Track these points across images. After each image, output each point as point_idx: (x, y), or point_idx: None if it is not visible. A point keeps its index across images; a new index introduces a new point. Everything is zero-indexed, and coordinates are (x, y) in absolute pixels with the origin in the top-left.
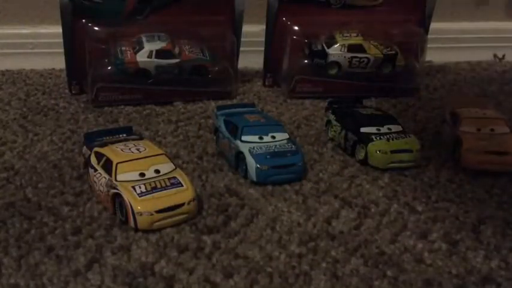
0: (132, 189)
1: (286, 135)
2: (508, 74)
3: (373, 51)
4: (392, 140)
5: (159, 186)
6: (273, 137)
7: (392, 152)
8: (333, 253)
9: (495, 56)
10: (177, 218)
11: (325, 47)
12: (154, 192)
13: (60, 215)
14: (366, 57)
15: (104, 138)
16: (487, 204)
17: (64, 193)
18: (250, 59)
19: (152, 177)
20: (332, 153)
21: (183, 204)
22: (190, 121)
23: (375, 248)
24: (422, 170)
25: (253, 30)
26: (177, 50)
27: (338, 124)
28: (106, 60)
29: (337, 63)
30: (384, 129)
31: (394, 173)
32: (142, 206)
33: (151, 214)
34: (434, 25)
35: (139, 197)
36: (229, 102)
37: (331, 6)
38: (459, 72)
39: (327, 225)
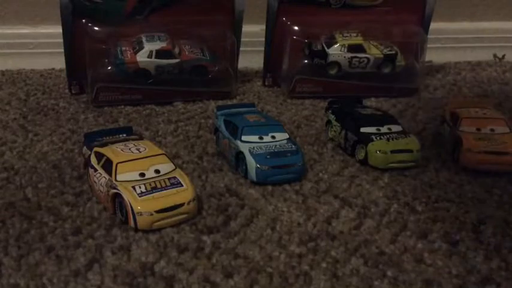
0: (132, 189)
1: (286, 135)
2: (508, 74)
3: (373, 51)
4: (392, 140)
5: (159, 186)
6: (273, 137)
7: (392, 152)
8: (333, 253)
9: (495, 56)
10: (177, 218)
11: (325, 47)
12: (154, 192)
13: (60, 215)
14: (366, 57)
15: (104, 138)
16: (487, 204)
17: (64, 193)
18: (250, 59)
19: (152, 177)
20: (332, 153)
21: (183, 204)
22: (190, 121)
23: (375, 248)
24: (422, 170)
25: (253, 30)
26: (177, 50)
27: (338, 124)
28: (106, 60)
29: (337, 63)
30: (384, 129)
31: (394, 173)
32: (142, 206)
33: (151, 214)
34: (434, 25)
35: (139, 197)
36: (229, 102)
37: (331, 6)
38: (459, 72)
39: (327, 225)
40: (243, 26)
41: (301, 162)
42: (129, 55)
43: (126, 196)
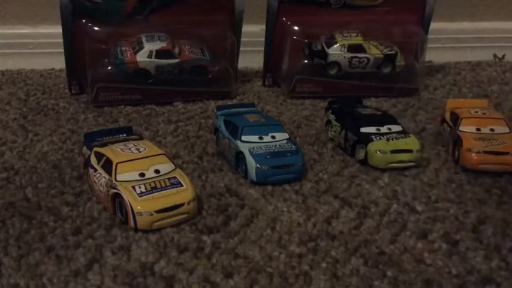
0: (132, 189)
1: (286, 135)
2: (508, 74)
3: (373, 51)
4: (392, 140)
5: (159, 186)
6: (273, 137)
7: (392, 152)
8: (333, 253)
9: (495, 56)
10: (177, 218)
11: (325, 47)
12: (154, 192)
13: (60, 215)
14: (366, 57)
15: (104, 138)
16: (487, 204)
17: (64, 193)
18: (250, 59)
19: (152, 177)
20: (332, 153)
21: (183, 204)
22: (190, 121)
23: (375, 248)
24: (422, 170)
25: (253, 30)
26: (177, 50)
27: (338, 124)
28: (106, 60)
29: (337, 63)
30: (383, 129)
31: (394, 173)
32: (142, 206)
33: (151, 214)
34: (434, 25)
35: (139, 197)
36: (229, 102)
37: (331, 6)
38: (459, 72)
39: (327, 225)
40: (243, 26)
41: (301, 162)
42: (129, 55)
43: (126, 196)
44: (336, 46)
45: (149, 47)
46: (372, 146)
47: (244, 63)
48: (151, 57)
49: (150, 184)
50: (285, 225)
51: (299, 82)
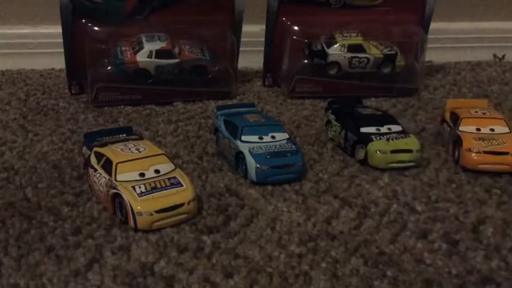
0: (132, 189)
1: (286, 135)
2: (508, 74)
3: (373, 51)
4: (392, 140)
5: (159, 186)
6: (273, 137)
7: (392, 152)
8: (333, 253)
9: (495, 56)
10: (177, 218)
11: (325, 47)
12: (154, 192)
13: (60, 215)
14: (366, 57)
15: (104, 138)
16: (487, 204)
17: (64, 193)
18: (250, 59)
19: (152, 177)
20: (332, 153)
21: (183, 204)
22: (190, 121)
23: (375, 248)
24: (422, 170)
25: (253, 30)
26: (177, 50)
27: (338, 124)
28: (106, 60)
29: (337, 63)
30: (383, 129)
31: (394, 173)
32: (142, 206)
33: (151, 214)
34: (434, 25)
35: (139, 197)
36: (229, 102)
37: (331, 6)
38: (459, 72)
39: (327, 225)
40: (243, 26)
41: (301, 162)
42: (129, 55)
43: (126, 196)
44: (335, 46)
45: (149, 47)
46: (372, 146)
47: (244, 63)
48: (151, 57)
49: (150, 184)
50: (285, 225)
51: (299, 82)
